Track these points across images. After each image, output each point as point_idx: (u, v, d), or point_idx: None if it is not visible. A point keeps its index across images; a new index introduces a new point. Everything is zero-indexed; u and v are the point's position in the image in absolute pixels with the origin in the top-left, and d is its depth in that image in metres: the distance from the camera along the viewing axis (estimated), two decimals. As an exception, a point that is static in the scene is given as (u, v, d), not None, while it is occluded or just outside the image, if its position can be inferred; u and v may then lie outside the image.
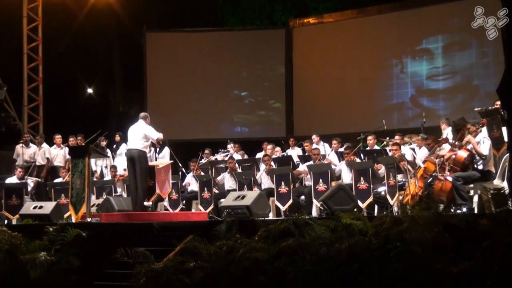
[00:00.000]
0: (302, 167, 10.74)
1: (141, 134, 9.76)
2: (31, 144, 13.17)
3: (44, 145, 13.15)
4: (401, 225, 5.96)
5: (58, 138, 13.13)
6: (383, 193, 9.43)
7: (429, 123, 12.89)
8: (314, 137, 12.39)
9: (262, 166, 11.30)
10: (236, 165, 11.77)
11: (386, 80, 16.44)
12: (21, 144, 13.00)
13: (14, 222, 10.61)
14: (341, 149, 11.08)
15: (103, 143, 12.85)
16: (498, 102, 9.08)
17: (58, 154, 13.04)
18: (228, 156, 12.77)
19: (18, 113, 16.35)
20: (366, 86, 16.60)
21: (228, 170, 11.53)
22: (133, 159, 9.72)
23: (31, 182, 12.01)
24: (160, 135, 9.94)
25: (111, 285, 7.36)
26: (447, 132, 11.00)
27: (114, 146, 13.23)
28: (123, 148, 12.64)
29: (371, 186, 9.30)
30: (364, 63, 16.67)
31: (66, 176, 11.56)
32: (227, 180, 11.44)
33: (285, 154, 12.47)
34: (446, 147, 9.36)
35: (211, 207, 10.83)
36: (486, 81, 14.52)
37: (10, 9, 16.83)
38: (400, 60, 16.28)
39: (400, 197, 9.17)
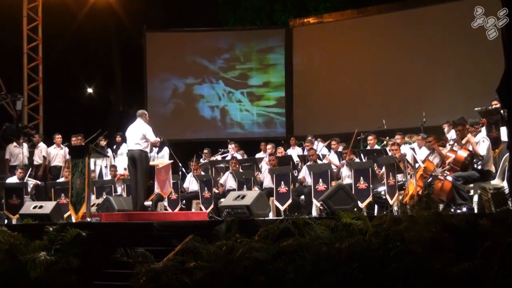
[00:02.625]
0: (302, 173, 10.69)
1: (140, 134, 9.72)
2: (23, 144, 13.13)
3: (41, 144, 13.12)
4: (400, 225, 5.96)
5: (58, 138, 13.10)
6: (383, 192, 9.43)
7: (429, 123, 12.87)
8: (309, 138, 12.39)
9: (264, 166, 11.30)
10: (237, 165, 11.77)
11: (386, 79, 16.44)
12: (14, 144, 12.97)
13: (14, 221, 10.61)
14: (340, 149, 11.11)
15: (103, 143, 12.84)
16: (494, 102, 9.10)
17: (57, 154, 13.02)
18: (229, 156, 12.76)
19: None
20: (366, 85, 16.61)
21: (230, 171, 11.52)
22: (134, 159, 9.70)
23: (31, 183, 11.99)
24: (157, 139, 9.91)
25: (111, 285, 7.36)
26: (451, 135, 11.04)
27: (115, 146, 13.23)
28: (123, 148, 12.64)
29: (371, 186, 9.30)
30: (364, 63, 16.67)
31: (69, 176, 11.54)
32: (228, 180, 11.44)
33: (286, 154, 12.47)
34: (435, 160, 9.34)
35: (211, 207, 10.82)
36: (486, 81, 14.50)
37: (10, 9, 16.82)
38: (400, 60, 16.27)
39: (400, 197, 9.17)
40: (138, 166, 9.63)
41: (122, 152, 12.83)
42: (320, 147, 12.50)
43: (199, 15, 20.59)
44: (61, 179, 12.06)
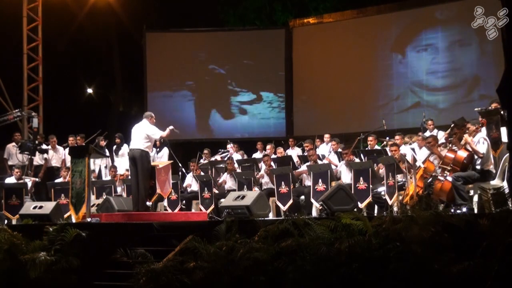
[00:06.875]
0: (302, 167, 10.73)
1: (143, 134, 9.73)
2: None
3: (43, 145, 13.11)
4: (399, 225, 5.96)
5: (53, 140, 13.08)
6: (383, 193, 9.43)
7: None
8: (326, 136, 12.50)
9: (263, 166, 11.31)
10: (236, 165, 11.77)
11: (386, 80, 16.44)
12: (13, 144, 12.97)
13: (14, 222, 10.61)
14: (340, 149, 11.14)
15: (103, 143, 12.83)
16: (494, 104, 9.10)
17: (53, 155, 13.02)
18: (228, 156, 12.77)
19: (17, 113, 16.34)
20: (366, 86, 16.61)
21: (227, 171, 11.53)
22: (135, 159, 9.70)
23: (29, 181, 11.99)
24: (163, 133, 9.91)
25: (111, 285, 7.37)
26: (435, 132, 11.18)
27: (115, 146, 13.22)
28: (124, 149, 12.64)
29: (371, 186, 9.30)
30: (364, 63, 16.67)
31: (68, 177, 11.54)
32: (227, 180, 11.45)
33: (285, 154, 12.47)
34: (436, 160, 9.37)
35: (212, 207, 10.83)
36: (486, 81, 14.53)
37: (10, 9, 16.82)
38: (400, 60, 16.28)
39: (400, 197, 9.17)
40: (139, 166, 9.64)
41: (123, 152, 12.82)
42: (323, 147, 12.49)
43: (199, 15, 20.60)
44: (59, 180, 12.04)
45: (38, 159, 12.94)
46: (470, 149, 8.45)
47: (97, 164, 13.01)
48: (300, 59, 17.72)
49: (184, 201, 11.58)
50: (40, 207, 10.08)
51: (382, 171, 9.62)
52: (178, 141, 16.25)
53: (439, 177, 8.65)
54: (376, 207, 9.63)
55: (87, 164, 9.29)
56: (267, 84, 18.10)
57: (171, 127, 9.94)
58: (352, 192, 9.10)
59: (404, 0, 16.46)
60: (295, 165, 11.39)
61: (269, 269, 6.33)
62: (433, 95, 15.73)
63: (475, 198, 8.25)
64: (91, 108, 22.01)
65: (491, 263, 5.34)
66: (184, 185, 11.98)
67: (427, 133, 11.20)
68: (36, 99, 16.88)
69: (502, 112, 8.58)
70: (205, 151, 13.18)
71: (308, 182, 10.18)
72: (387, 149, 10.57)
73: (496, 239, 5.41)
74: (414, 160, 9.01)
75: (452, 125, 10.20)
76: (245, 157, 13.11)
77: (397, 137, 10.99)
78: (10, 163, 12.81)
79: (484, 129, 8.89)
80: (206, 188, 11.05)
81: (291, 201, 10.00)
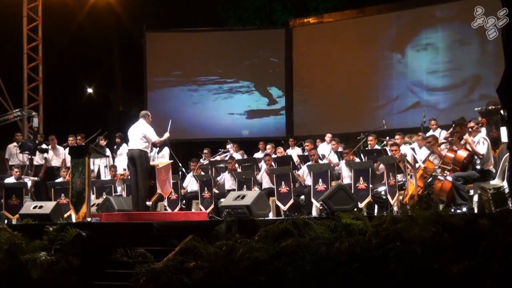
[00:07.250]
0: (301, 171, 10.70)
1: (140, 134, 9.73)
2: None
3: (43, 145, 13.11)
4: (399, 224, 5.96)
5: (52, 141, 13.08)
6: (383, 193, 9.43)
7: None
8: (328, 136, 12.54)
9: (263, 166, 11.31)
10: (236, 165, 11.77)
11: (386, 80, 16.45)
12: (14, 144, 12.98)
13: (14, 222, 10.60)
14: (340, 149, 11.14)
15: (103, 143, 12.83)
16: (492, 107, 9.12)
17: (53, 155, 13.02)
18: (228, 156, 12.77)
19: (18, 113, 16.34)
20: (366, 86, 16.61)
21: (227, 171, 11.53)
22: (134, 159, 9.70)
23: (28, 181, 12.00)
24: (158, 139, 9.88)
25: (111, 285, 7.37)
26: (438, 132, 11.20)
27: (115, 146, 13.23)
28: (123, 148, 12.65)
29: (370, 186, 9.30)
30: (364, 63, 16.67)
31: (67, 176, 11.54)
32: (227, 180, 11.44)
33: (285, 154, 12.48)
34: (436, 160, 9.38)
35: (211, 207, 10.83)
36: (487, 81, 14.53)
37: (10, 9, 16.83)
38: (400, 60, 16.28)
39: (400, 197, 9.17)
40: (138, 166, 9.63)
41: (121, 152, 12.84)
42: (323, 147, 12.49)
43: (199, 15, 20.60)
44: (59, 179, 12.05)
45: (38, 159, 12.93)
46: (470, 149, 8.45)
47: (96, 164, 13.01)
48: (300, 59, 17.72)
49: (184, 201, 11.58)
50: (40, 207, 10.07)
51: (381, 168, 9.62)
52: (178, 141, 16.25)
53: (439, 176, 8.66)
54: (376, 207, 9.63)
55: (87, 164, 9.29)
56: (267, 84, 18.10)
57: (167, 134, 9.95)
58: (352, 192, 9.10)
59: (404, 0, 16.46)
60: (295, 165, 11.39)
61: (269, 269, 6.33)
62: (433, 95, 15.72)
63: (475, 198, 8.24)
64: (91, 108, 22.02)
65: (491, 263, 5.34)
66: (184, 185, 11.98)
67: (430, 133, 11.22)
68: (36, 99, 16.88)
69: (502, 112, 8.59)
70: (205, 151, 13.17)
71: (308, 182, 10.18)
72: (387, 149, 10.56)
73: (496, 239, 5.41)
74: (415, 160, 9.00)
75: (453, 125, 10.22)
76: (245, 157, 13.12)
77: (397, 136, 10.99)
78: (11, 163, 12.82)
79: (484, 129, 8.90)
80: (206, 188, 11.05)
81: (292, 201, 10.00)
